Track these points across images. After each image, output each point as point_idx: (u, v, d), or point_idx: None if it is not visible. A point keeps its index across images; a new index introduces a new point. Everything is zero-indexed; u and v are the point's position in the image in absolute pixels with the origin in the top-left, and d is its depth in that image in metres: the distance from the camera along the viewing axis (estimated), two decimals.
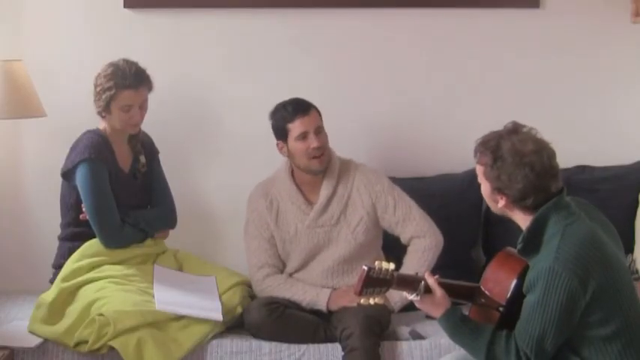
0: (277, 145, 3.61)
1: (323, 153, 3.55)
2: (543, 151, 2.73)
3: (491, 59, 4.14)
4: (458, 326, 2.78)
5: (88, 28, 4.06)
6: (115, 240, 3.57)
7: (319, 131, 3.55)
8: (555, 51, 4.13)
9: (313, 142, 3.52)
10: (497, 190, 2.75)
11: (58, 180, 3.67)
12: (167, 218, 3.78)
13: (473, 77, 4.14)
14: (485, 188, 2.81)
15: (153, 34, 4.07)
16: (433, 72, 4.13)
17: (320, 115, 3.60)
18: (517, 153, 2.70)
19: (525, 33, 4.12)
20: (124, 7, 4.03)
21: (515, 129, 2.77)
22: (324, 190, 3.60)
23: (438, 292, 2.81)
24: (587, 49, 4.14)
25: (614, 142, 4.15)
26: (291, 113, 3.54)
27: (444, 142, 4.14)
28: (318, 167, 3.57)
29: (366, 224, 3.60)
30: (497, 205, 2.80)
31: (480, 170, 2.81)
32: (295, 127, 3.53)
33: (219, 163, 4.14)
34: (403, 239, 3.63)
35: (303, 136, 3.53)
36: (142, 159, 3.73)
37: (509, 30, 4.12)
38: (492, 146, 2.75)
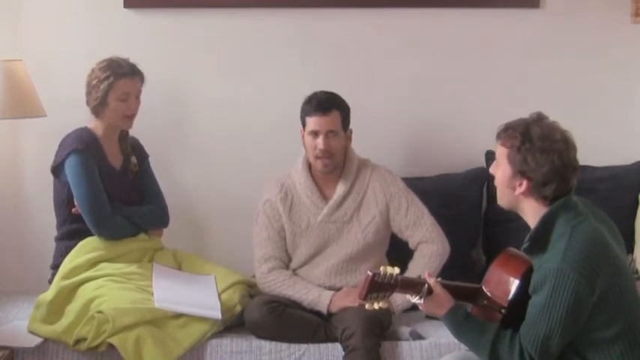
0: (300, 130, 3.62)
1: (329, 157, 3.54)
2: (569, 143, 2.74)
3: (490, 59, 4.14)
4: (462, 324, 2.76)
5: (88, 28, 4.06)
6: (106, 228, 3.57)
7: (331, 136, 3.53)
8: (555, 51, 4.13)
9: (320, 144, 3.52)
10: (521, 173, 2.72)
11: None
12: (160, 216, 3.78)
13: (473, 77, 4.14)
14: (505, 172, 2.76)
15: (153, 34, 4.07)
16: (432, 72, 4.13)
17: (344, 117, 3.56)
18: (547, 138, 2.70)
19: (525, 33, 4.12)
20: (124, 7, 4.03)
21: (541, 118, 2.78)
22: (341, 187, 3.61)
23: (440, 291, 2.80)
24: (587, 49, 4.14)
25: (614, 142, 4.15)
26: (312, 108, 3.54)
27: (444, 142, 4.14)
28: (321, 168, 3.57)
29: (377, 224, 3.61)
30: (515, 191, 2.75)
31: (502, 153, 2.77)
32: (310, 123, 3.54)
33: (220, 163, 4.14)
34: (411, 244, 3.63)
35: (314, 134, 3.54)
36: (134, 159, 3.75)
37: (509, 30, 4.12)
38: (522, 129, 2.73)
